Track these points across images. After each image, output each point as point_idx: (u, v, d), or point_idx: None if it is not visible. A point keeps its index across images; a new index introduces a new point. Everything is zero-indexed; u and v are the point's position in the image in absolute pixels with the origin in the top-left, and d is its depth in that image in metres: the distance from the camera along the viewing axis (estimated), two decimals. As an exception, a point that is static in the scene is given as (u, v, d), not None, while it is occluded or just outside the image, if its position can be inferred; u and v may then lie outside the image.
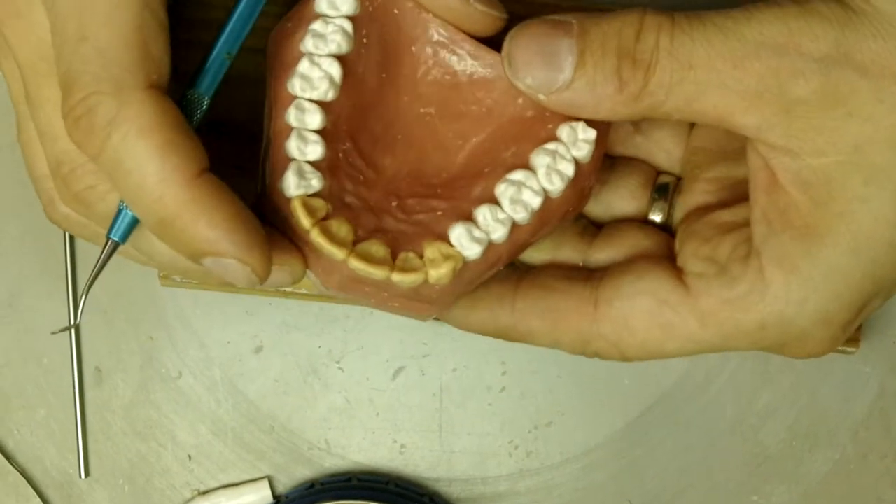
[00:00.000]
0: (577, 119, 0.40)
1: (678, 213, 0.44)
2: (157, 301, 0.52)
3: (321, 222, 0.38)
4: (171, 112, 0.37)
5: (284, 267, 0.40)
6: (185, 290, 0.52)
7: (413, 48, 0.41)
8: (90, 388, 0.53)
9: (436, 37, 0.41)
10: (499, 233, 0.39)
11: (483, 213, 0.39)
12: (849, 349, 0.50)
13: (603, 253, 0.44)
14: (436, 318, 0.44)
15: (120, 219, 0.40)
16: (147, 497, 0.53)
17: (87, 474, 0.53)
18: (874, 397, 0.53)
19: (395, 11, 0.40)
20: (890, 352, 0.52)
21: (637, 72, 0.38)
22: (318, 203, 0.39)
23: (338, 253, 0.38)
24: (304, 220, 0.38)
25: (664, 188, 0.45)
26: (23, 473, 0.53)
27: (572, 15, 0.39)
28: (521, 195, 0.39)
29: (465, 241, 0.39)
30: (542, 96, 0.39)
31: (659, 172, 0.46)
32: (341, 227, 0.39)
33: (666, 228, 0.45)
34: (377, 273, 0.38)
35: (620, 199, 0.45)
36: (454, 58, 0.41)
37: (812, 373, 0.53)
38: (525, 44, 0.39)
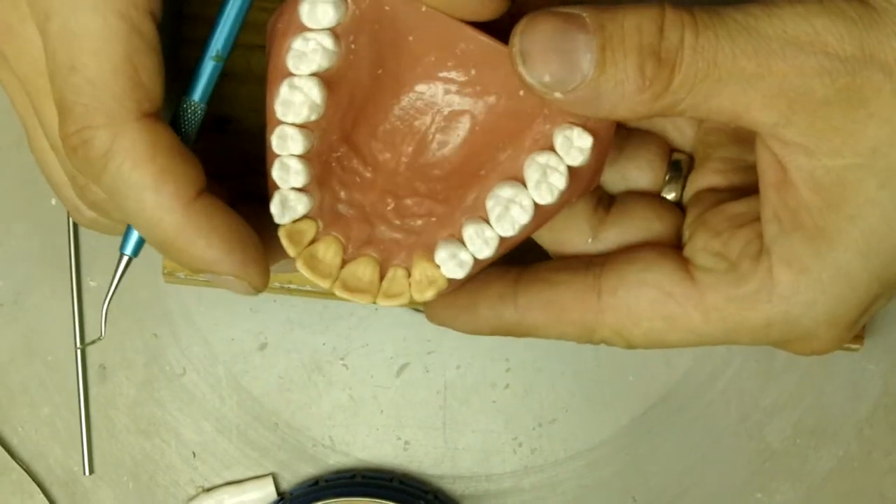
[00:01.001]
0: (576, 124, 0.39)
1: (688, 192, 0.44)
2: (161, 298, 0.52)
3: (307, 248, 0.40)
4: (164, 138, 0.37)
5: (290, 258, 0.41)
6: (189, 287, 0.52)
7: (410, 38, 0.40)
8: (94, 386, 0.53)
9: (433, 25, 0.39)
10: (485, 252, 0.40)
11: (470, 234, 0.40)
12: (853, 347, 0.50)
13: (613, 232, 0.43)
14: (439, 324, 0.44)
15: (130, 235, 0.41)
16: (151, 494, 0.53)
17: (91, 471, 0.53)
18: (878, 395, 0.53)
19: (386, 8, 0.39)
20: (894, 349, 0.52)
21: (662, 70, 0.37)
22: (306, 226, 0.40)
23: (323, 283, 0.40)
24: (290, 251, 0.40)
25: (677, 165, 0.44)
26: (27, 470, 0.53)
27: (580, 7, 0.38)
28: (509, 212, 0.39)
29: (450, 265, 0.40)
30: (558, 94, 0.37)
31: (673, 150, 0.45)
32: (328, 250, 0.40)
33: (678, 205, 0.44)
34: (362, 300, 0.40)
35: (637, 168, 0.44)
36: (452, 46, 0.40)
37: (816, 370, 0.52)
38: (538, 39, 0.37)
